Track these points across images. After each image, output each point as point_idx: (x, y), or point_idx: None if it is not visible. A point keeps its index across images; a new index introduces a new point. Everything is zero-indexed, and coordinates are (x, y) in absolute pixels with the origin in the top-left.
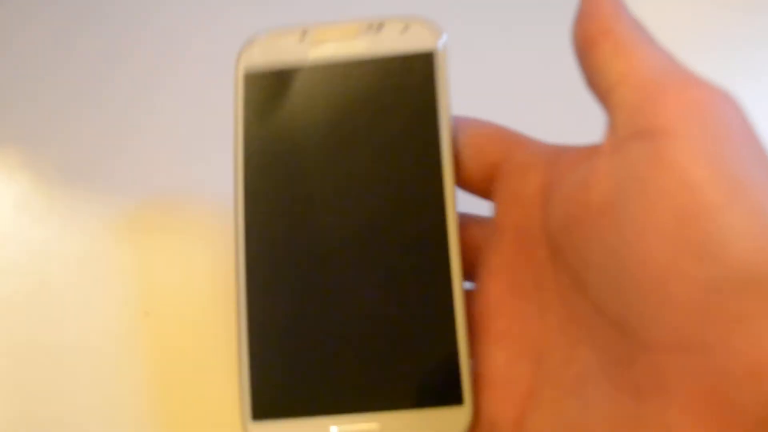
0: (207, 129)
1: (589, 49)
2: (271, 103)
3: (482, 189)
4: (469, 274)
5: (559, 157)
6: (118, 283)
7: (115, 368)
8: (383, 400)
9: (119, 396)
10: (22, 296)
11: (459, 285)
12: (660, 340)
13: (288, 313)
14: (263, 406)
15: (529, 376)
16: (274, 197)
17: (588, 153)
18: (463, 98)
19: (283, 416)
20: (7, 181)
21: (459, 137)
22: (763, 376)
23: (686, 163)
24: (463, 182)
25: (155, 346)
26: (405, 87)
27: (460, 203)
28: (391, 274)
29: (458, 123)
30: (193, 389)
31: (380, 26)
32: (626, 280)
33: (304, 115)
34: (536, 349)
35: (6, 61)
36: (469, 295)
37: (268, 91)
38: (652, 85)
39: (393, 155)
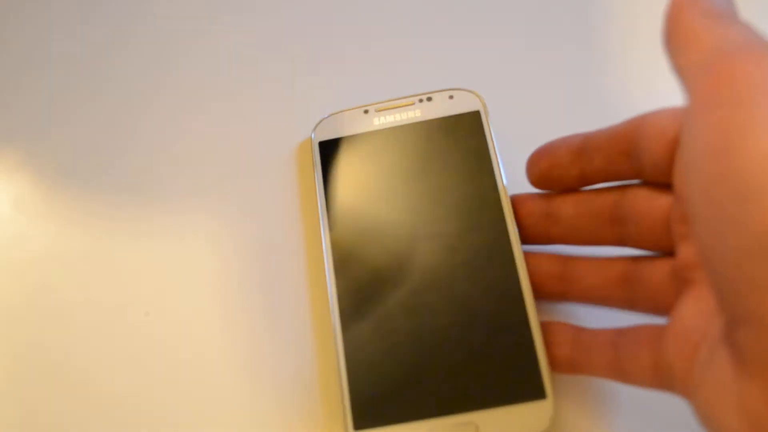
0: (207, 128)
1: (665, 43)
2: (345, 162)
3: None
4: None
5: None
6: (118, 283)
7: (115, 368)
8: (477, 401)
9: (119, 396)
10: (22, 296)
11: (530, 297)
12: (733, 313)
13: (382, 331)
14: (363, 417)
15: (703, 330)
16: (355, 230)
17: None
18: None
19: (384, 424)
20: (7, 181)
21: (643, 137)
22: None
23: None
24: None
25: (155, 346)
26: (460, 138)
27: None
28: (471, 294)
29: (636, 121)
30: (193, 389)
31: (430, 98)
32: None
33: (375, 167)
34: (713, 307)
35: (5, 60)
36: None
37: (341, 153)
38: (704, 72)
39: (457, 189)
